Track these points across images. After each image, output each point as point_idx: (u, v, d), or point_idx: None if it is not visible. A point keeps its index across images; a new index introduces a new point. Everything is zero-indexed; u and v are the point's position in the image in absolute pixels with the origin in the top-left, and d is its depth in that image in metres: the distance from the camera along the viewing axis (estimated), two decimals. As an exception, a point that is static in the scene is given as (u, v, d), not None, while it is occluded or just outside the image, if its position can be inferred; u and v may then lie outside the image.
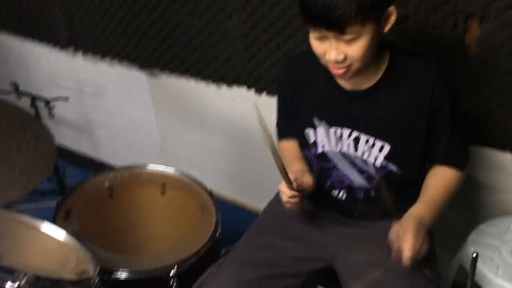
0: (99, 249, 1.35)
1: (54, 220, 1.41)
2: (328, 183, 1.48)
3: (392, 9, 1.22)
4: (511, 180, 1.65)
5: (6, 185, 1.25)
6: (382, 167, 1.39)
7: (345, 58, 1.22)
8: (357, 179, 1.44)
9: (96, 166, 2.74)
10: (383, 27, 1.23)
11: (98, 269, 1.15)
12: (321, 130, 1.42)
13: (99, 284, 1.13)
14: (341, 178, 1.45)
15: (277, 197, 1.60)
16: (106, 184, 1.64)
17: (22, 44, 2.66)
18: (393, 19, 1.23)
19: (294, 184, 1.32)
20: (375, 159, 1.39)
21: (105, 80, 2.52)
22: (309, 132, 1.44)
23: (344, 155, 1.42)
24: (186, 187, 1.68)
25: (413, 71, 1.33)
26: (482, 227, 1.59)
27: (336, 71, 1.26)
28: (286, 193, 1.33)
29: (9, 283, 0.98)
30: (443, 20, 1.54)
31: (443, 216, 1.62)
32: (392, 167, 1.39)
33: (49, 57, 2.63)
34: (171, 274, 1.39)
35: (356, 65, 1.24)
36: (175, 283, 1.39)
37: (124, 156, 2.69)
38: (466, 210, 1.74)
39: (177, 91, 2.30)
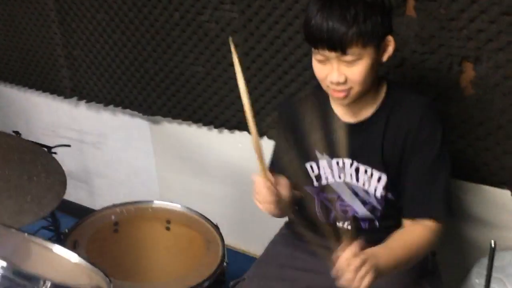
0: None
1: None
2: (332, 215, 1.51)
3: (390, 38, 1.30)
4: (509, 217, 1.68)
5: (18, 210, 1.27)
6: (382, 197, 1.43)
7: (345, 81, 1.28)
8: (361, 210, 1.47)
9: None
10: (382, 55, 1.31)
11: (111, 286, 1.15)
12: (323, 162, 1.47)
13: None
14: (345, 209, 1.49)
15: (282, 231, 1.63)
16: (113, 218, 1.66)
17: (25, 94, 2.73)
18: (390, 49, 1.32)
19: (269, 175, 1.30)
20: (375, 189, 1.43)
21: (106, 129, 2.57)
22: (312, 165, 1.49)
23: (348, 186, 1.46)
24: (192, 222, 1.70)
25: (405, 106, 1.38)
26: (484, 260, 1.61)
27: (337, 94, 1.32)
28: (259, 182, 1.31)
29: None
30: (438, 63, 1.63)
31: (445, 252, 1.64)
32: (391, 196, 1.43)
33: (51, 107, 2.69)
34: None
35: (356, 89, 1.31)
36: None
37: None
38: (467, 246, 1.76)
39: (178, 138, 2.35)
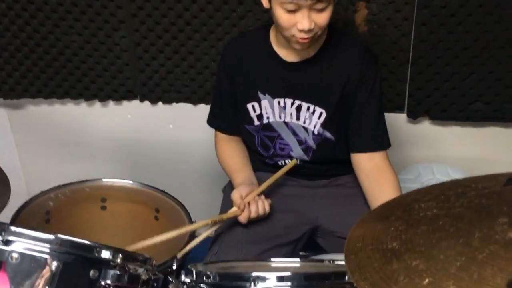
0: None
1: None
2: (270, 152, 1.56)
3: None
4: (407, 137, 1.92)
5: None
6: (319, 134, 1.52)
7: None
8: (296, 149, 1.55)
9: None
10: None
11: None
12: (265, 102, 1.50)
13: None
14: (283, 147, 1.55)
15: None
16: (50, 205, 1.44)
17: None
18: None
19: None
20: (314, 126, 1.51)
21: None
22: (254, 105, 1.51)
23: (287, 125, 1.52)
24: (132, 195, 1.57)
25: (346, 48, 1.48)
26: (400, 176, 1.82)
27: (303, 41, 1.34)
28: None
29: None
30: (336, 5, 1.74)
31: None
32: (328, 134, 1.53)
33: None
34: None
35: (319, 33, 1.36)
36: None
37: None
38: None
39: (48, 121, 2.11)
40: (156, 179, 2.07)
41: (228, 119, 1.56)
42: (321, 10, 1.30)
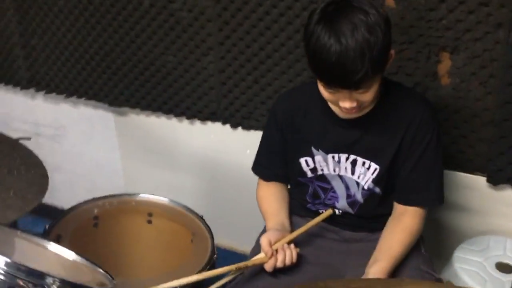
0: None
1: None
2: (317, 202, 1.54)
3: (392, 51, 1.31)
4: (485, 202, 1.74)
5: (2, 205, 1.19)
6: (369, 189, 1.47)
7: (357, 104, 1.30)
8: (342, 202, 1.51)
9: (52, 213, 2.61)
10: (386, 67, 1.32)
11: (115, 283, 1.10)
12: (319, 157, 1.48)
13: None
14: (331, 198, 1.52)
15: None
16: (95, 212, 1.60)
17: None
18: (392, 58, 1.33)
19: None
20: (366, 181, 1.46)
21: (66, 122, 2.47)
22: (307, 160, 1.49)
23: (341, 178, 1.48)
24: (175, 215, 1.66)
25: (404, 102, 1.42)
26: (464, 245, 1.67)
27: (349, 113, 1.35)
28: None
29: None
30: (417, 53, 1.66)
31: (426, 238, 1.68)
32: (376, 189, 1.46)
33: (4, 98, 2.54)
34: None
35: (367, 106, 1.34)
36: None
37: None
38: (446, 232, 1.82)
39: (145, 130, 2.29)
40: (223, 197, 2.17)
41: (274, 168, 1.57)
42: (364, 92, 1.27)
